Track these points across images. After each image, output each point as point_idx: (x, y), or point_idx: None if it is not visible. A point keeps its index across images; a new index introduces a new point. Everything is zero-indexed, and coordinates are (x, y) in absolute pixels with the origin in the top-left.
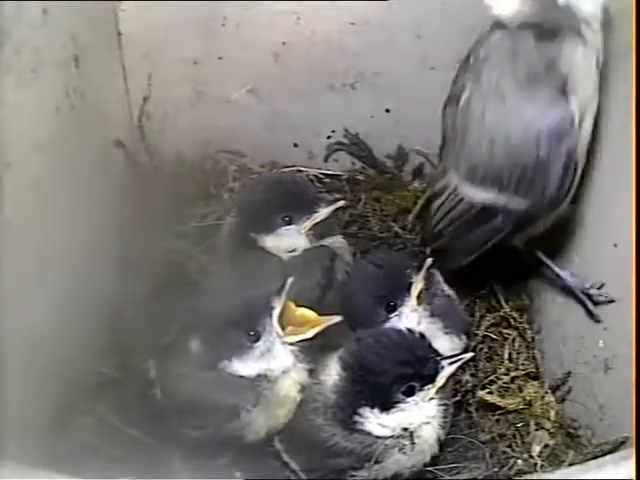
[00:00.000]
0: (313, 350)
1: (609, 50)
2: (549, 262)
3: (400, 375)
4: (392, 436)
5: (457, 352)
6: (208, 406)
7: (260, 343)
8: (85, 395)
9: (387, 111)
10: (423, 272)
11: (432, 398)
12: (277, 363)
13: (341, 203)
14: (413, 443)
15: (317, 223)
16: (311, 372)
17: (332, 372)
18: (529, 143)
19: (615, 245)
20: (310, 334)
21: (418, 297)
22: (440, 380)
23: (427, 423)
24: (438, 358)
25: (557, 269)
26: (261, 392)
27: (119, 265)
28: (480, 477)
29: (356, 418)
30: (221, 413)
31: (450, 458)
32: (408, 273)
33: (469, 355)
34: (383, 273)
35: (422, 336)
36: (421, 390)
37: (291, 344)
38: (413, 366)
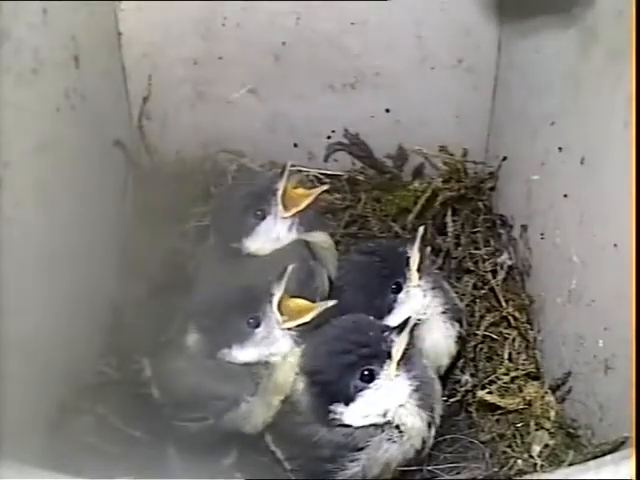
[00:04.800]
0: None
1: (606, 49)
2: None
3: (348, 365)
4: (376, 424)
5: (453, 338)
6: (207, 396)
7: (260, 329)
8: (85, 395)
9: (387, 111)
10: (418, 242)
11: (397, 375)
12: (276, 349)
13: (290, 163)
14: (401, 432)
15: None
16: None
17: (301, 378)
18: None
19: (615, 245)
20: (308, 318)
21: (419, 270)
22: (397, 353)
23: (402, 405)
24: (385, 333)
25: None
26: (259, 380)
27: (119, 265)
28: (480, 477)
29: (331, 415)
30: (220, 402)
31: (450, 458)
32: (402, 250)
33: (414, 318)
34: (377, 257)
35: (365, 318)
36: (382, 370)
37: (289, 329)
38: (358, 352)
